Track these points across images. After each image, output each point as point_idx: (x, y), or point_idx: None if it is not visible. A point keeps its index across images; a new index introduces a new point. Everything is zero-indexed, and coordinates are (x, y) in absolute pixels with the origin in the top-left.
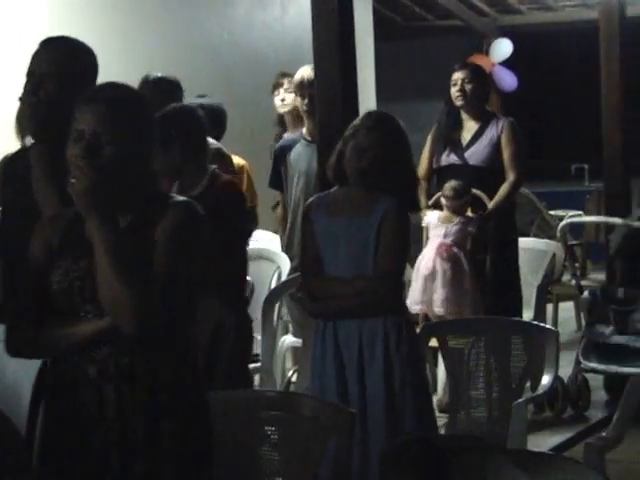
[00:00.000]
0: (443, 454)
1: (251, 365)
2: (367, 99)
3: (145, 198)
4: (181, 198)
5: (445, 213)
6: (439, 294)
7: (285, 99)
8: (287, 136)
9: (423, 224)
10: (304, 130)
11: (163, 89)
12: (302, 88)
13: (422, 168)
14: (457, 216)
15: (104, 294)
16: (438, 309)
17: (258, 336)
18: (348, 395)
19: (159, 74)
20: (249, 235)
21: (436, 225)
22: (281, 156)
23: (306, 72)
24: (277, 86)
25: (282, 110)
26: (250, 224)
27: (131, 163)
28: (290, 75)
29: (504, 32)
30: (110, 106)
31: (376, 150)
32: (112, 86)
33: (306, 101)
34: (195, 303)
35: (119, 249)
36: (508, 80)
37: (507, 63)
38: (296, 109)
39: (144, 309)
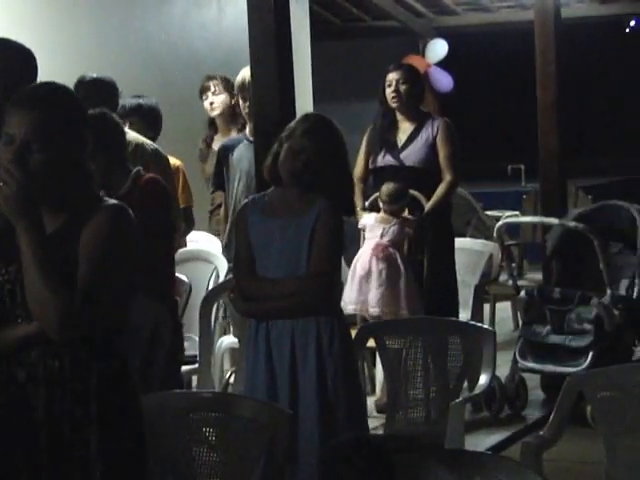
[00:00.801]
0: (384, 454)
1: (189, 366)
2: (304, 100)
3: (78, 200)
4: (112, 201)
5: (382, 214)
6: (374, 294)
7: (214, 102)
8: (232, 137)
9: (360, 226)
10: (247, 130)
11: (99, 90)
12: (244, 90)
13: (358, 169)
14: (394, 217)
15: (30, 298)
16: (373, 309)
17: (195, 337)
18: (278, 397)
19: (95, 75)
20: (174, 232)
21: (373, 226)
22: (224, 156)
23: (247, 74)
24: (204, 90)
25: (212, 114)
26: (174, 221)
27: (63, 167)
28: (216, 78)
29: (440, 33)
30: (43, 110)
31: (309, 153)
32: (45, 88)
33: (247, 103)
34: (127, 306)
35: (46, 254)
36: (444, 81)
37: (443, 64)
38: (227, 111)
39: (69, 314)
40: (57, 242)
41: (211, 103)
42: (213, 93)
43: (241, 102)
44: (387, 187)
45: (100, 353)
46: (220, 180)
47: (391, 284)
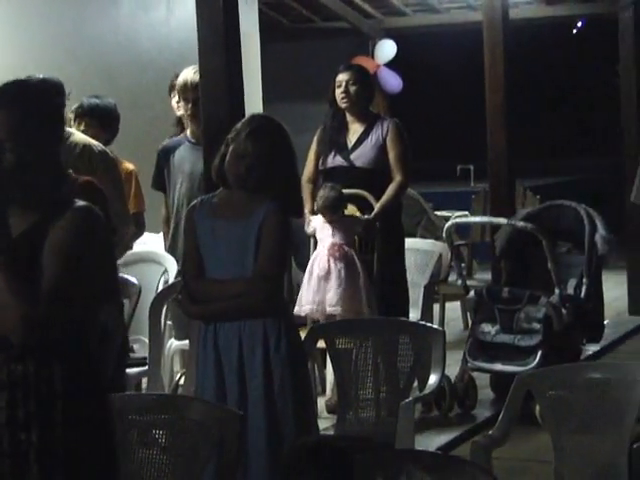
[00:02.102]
0: (345, 456)
1: (139, 369)
2: (253, 101)
3: (49, 201)
4: (81, 203)
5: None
6: (333, 293)
7: (180, 101)
8: (170, 138)
9: (309, 232)
10: (188, 132)
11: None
12: (185, 91)
13: (307, 170)
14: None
15: None
16: (333, 308)
17: (145, 339)
18: (227, 398)
19: (42, 76)
20: (130, 238)
21: (322, 226)
22: (165, 158)
23: (189, 75)
24: (172, 88)
25: (179, 112)
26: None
27: (36, 167)
28: None
29: (389, 34)
30: (13, 110)
31: (253, 156)
32: (15, 87)
33: (189, 105)
34: (93, 310)
35: (9, 257)
36: (393, 82)
37: (392, 64)
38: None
39: (32, 318)
40: (25, 243)
41: (177, 101)
42: (176, 91)
43: (183, 103)
44: (322, 199)
45: (66, 356)
46: (161, 181)
47: (350, 283)
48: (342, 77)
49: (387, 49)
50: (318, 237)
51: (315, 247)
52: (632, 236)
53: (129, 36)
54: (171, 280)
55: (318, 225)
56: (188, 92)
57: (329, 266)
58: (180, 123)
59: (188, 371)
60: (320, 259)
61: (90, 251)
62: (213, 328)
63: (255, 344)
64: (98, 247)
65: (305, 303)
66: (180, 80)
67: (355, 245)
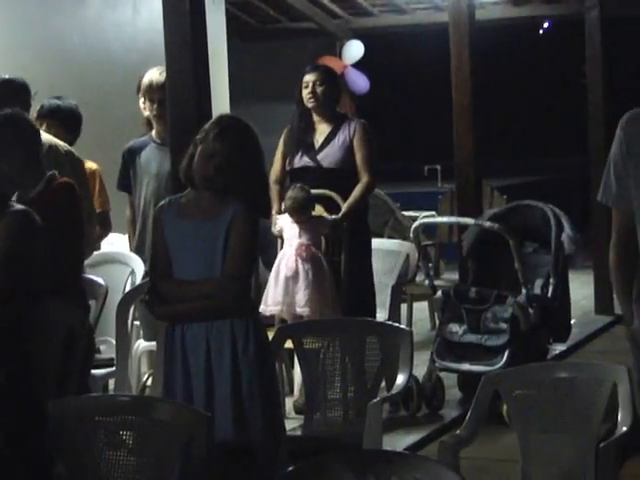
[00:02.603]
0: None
1: (106, 370)
2: (220, 101)
3: None
4: (19, 207)
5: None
6: (302, 294)
7: None
8: (136, 138)
9: (276, 231)
10: (153, 133)
11: (10, 91)
12: (150, 92)
13: (275, 171)
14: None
15: None
16: (301, 309)
17: (112, 340)
18: (194, 399)
19: (7, 76)
20: (96, 238)
21: (290, 226)
22: (130, 158)
23: (154, 76)
24: (140, 88)
25: (146, 113)
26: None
27: None
28: None
29: (357, 34)
30: None
31: (221, 157)
32: None
33: (155, 105)
34: (27, 313)
35: None
36: (360, 82)
37: (360, 65)
38: None
39: None
40: None
41: (144, 102)
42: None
43: (148, 104)
44: (290, 200)
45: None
46: (126, 182)
47: (318, 284)
48: (309, 78)
49: (354, 50)
50: (285, 237)
51: (282, 247)
52: (598, 236)
53: (96, 36)
54: (138, 281)
55: (285, 225)
56: (153, 93)
57: (297, 267)
58: (150, 123)
59: (155, 372)
60: (287, 259)
61: (24, 254)
62: (180, 329)
63: (223, 345)
64: (33, 250)
65: (272, 303)
66: (145, 81)
67: (322, 246)
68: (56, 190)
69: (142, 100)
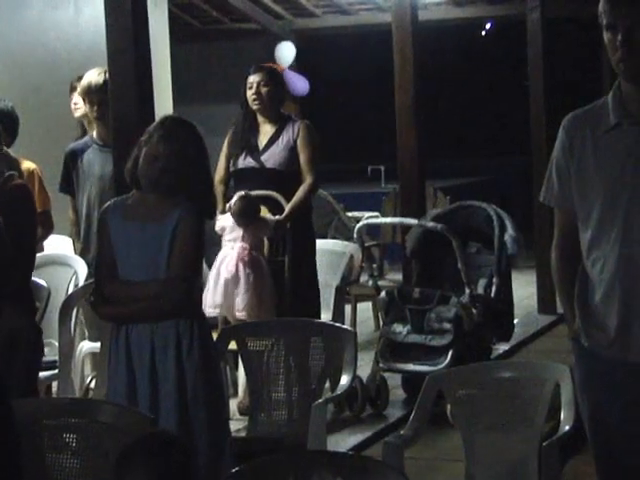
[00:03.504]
0: (184, 452)
1: (49, 372)
2: (164, 102)
3: None
4: None
5: None
6: (241, 298)
7: (78, 103)
8: (78, 140)
9: (217, 229)
10: (94, 134)
11: None
12: (89, 94)
13: (219, 171)
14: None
15: None
16: (240, 313)
17: (55, 342)
18: (139, 401)
19: None
20: (39, 239)
21: (232, 228)
22: (72, 160)
23: (92, 77)
24: (72, 90)
25: (77, 114)
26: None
27: None
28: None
29: (300, 35)
30: None
31: (166, 159)
32: None
33: (95, 107)
34: None
35: None
36: (299, 84)
37: (302, 66)
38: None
39: None
40: None
41: (75, 103)
42: (78, 93)
43: (88, 106)
44: (236, 205)
45: None
46: (68, 185)
47: (257, 289)
48: (253, 78)
49: (285, 52)
50: (226, 238)
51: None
52: (541, 236)
53: (37, 36)
54: (81, 283)
55: (228, 225)
56: (92, 94)
57: (237, 270)
58: (81, 125)
59: (99, 374)
60: (228, 262)
61: None
62: (125, 329)
63: (168, 345)
64: None
65: (210, 306)
66: (84, 82)
67: (264, 248)
68: (10, 191)
69: (74, 102)
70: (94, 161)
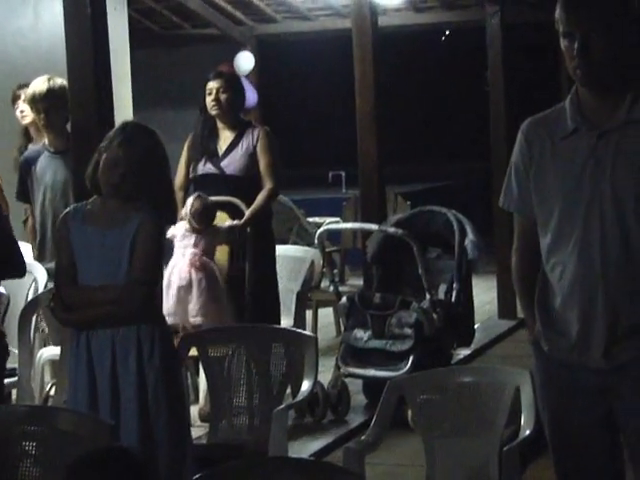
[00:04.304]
0: (140, 465)
1: (8, 380)
2: (123, 108)
3: None
4: None
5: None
6: (195, 303)
7: (24, 111)
8: (31, 148)
9: (168, 236)
10: (46, 142)
11: None
12: (35, 102)
13: (178, 177)
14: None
15: None
16: (195, 319)
17: (15, 350)
18: (100, 407)
19: None
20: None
21: (184, 235)
22: (26, 168)
23: (37, 86)
24: (16, 98)
25: (24, 122)
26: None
27: None
28: (27, 86)
29: (260, 41)
30: None
31: (126, 165)
32: None
33: (42, 115)
34: None
35: None
36: (249, 96)
37: (263, 72)
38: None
39: None
40: None
41: (22, 111)
42: (24, 101)
43: (35, 114)
44: (193, 206)
45: None
46: (24, 192)
47: (211, 293)
48: (213, 84)
49: (243, 61)
50: (177, 245)
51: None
52: (501, 241)
53: None
54: (41, 290)
55: (178, 233)
56: (38, 103)
57: (190, 276)
58: (27, 133)
59: (59, 381)
60: (180, 268)
61: None
62: (86, 335)
63: (128, 351)
64: None
65: (165, 314)
66: (29, 91)
67: (227, 253)
68: None
69: (19, 110)
70: (47, 168)
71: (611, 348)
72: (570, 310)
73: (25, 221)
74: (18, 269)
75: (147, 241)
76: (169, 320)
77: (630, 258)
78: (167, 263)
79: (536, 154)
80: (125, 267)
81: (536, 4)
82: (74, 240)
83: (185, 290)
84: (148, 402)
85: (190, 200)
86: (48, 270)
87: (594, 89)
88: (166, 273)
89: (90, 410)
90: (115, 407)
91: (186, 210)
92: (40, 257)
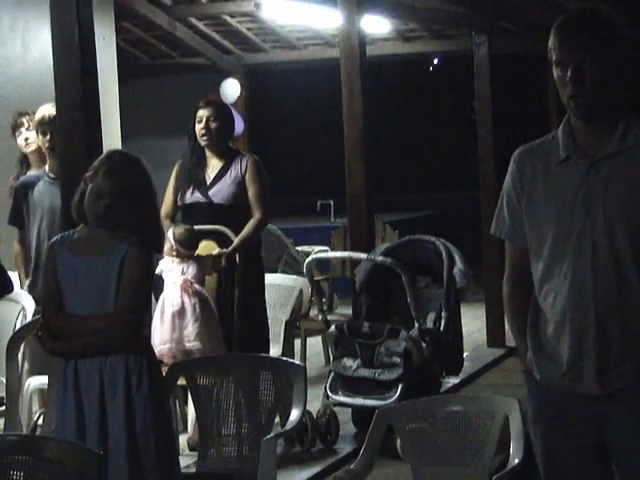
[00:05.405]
0: None
1: None
2: (112, 137)
3: None
4: None
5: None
6: (191, 329)
7: (29, 138)
8: (30, 174)
9: (157, 271)
10: (47, 167)
11: None
12: (43, 125)
13: (166, 206)
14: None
15: None
16: (191, 344)
17: (2, 378)
18: (87, 437)
19: None
20: None
21: (171, 268)
22: (23, 193)
23: (47, 110)
24: (18, 126)
25: (28, 149)
26: None
27: None
28: (28, 114)
29: (248, 70)
30: None
31: (111, 196)
32: None
33: (48, 138)
34: None
35: None
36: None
37: (251, 101)
38: (41, 148)
39: None
40: None
41: (26, 139)
42: (27, 129)
43: (41, 137)
44: (177, 231)
45: None
46: (18, 217)
47: (206, 318)
48: (202, 113)
49: (229, 88)
50: (167, 277)
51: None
52: (489, 270)
53: None
54: (29, 318)
55: (166, 267)
56: (45, 125)
57: (182, 302)
58: (25, 161)
59: (47, 410)
60: (172, 296)
61: None
62: (74, 365)
63: (116, 380)
64: None
65: (159, 343)
66: (38, 115)
67: (215, 281)
68: None
69: (21, 137)
70: (45, 194)
71: (602, 376)
72: (562, 337)
73: None
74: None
75: (134, 270)
76: (163, 348)
77: (621, 286)
78: (158, 298)
79: (528, 182)
80: (112, 296)
81: (524, 35)
82: (61, 268)
83: (179, 316)
84: (136, 431)
85: (171, 230)
86: (37, 298)
87: (586, 117)
88: (159, 303)
89: (78, 440)
90: (103, 436)
91: (170, 240)
92: (34, 283)
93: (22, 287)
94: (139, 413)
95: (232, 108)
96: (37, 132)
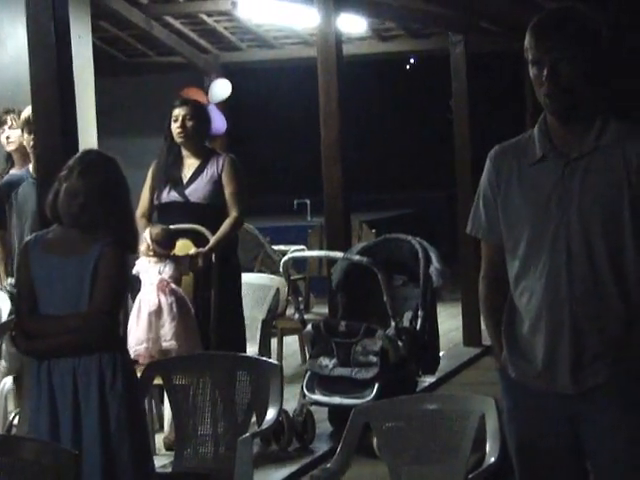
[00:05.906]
0: None
1: None
2: (88, 135)
3: None
4: None
5: (152, 256)
6: (168, 328)
7: (10, 136)
8: (13, 172)
9: (134, 273)
10: (30, 167)
11: None
12: (28, 124)
13: (142, 205)
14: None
15: None
16: (168, 343)
17: None
18: (61, 437)
19: None
20: None
21: (147, 268)
22: (6, 193)
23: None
24: (1, 124)
25: (9, 148)
26: None
27: None
28: (13, 111)
29: (226, 69)
30: None
31: (85, 195)
32: None
33: (32, 136)
34: None
35: None
36: (217, 122)
37: (228, 99)
38: (23, 146)
39: None
40: None
41: (7, 137)
42: (10, 127)
43: (26, 136)
44: (154, 231)
45: None
46: (1, 216)
47: (182, 317)
48: (178, 111)
49: (218, 89)
50: (143, 278)
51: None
52: (466, 269)
53: None
54: (4, 318)
55: (142, 268)
56: (31, 124)
57: (159, 301)
58: (10, 159)
59: (22, 410)
60: (149, 296)
61: None
62: (47, 364)
63: (90, 380)
64: None
65: (135, 344)
66: (25, 114)
67: (191, 281)
68: None
69: (4, 135)
70: (28, 196)
71: (577, 374)
72: (537, 336)
73: None
74: None
75: (108, 270)
76: (139, 349)
77: (596, 284)
78: (134, 299)
79: (504, 181)
80: (86, 296)
81: (501, 34)
82: (34, 269)
83: (156, 315)
84: (110, 431)
85: (148, 229)
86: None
87: (562, 116)
88: (135, 303)
89: (52, 439)
90: (77, 436)
91: (147, 240)
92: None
93: (0, 287)
94: (113, 412)
95: (215, 107)
96: (22, 131)
